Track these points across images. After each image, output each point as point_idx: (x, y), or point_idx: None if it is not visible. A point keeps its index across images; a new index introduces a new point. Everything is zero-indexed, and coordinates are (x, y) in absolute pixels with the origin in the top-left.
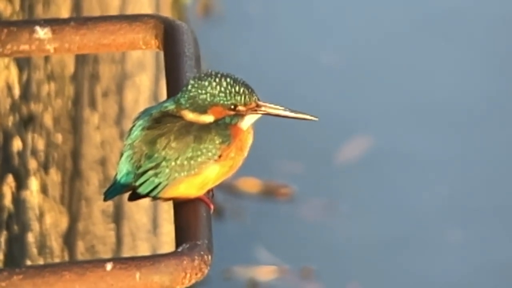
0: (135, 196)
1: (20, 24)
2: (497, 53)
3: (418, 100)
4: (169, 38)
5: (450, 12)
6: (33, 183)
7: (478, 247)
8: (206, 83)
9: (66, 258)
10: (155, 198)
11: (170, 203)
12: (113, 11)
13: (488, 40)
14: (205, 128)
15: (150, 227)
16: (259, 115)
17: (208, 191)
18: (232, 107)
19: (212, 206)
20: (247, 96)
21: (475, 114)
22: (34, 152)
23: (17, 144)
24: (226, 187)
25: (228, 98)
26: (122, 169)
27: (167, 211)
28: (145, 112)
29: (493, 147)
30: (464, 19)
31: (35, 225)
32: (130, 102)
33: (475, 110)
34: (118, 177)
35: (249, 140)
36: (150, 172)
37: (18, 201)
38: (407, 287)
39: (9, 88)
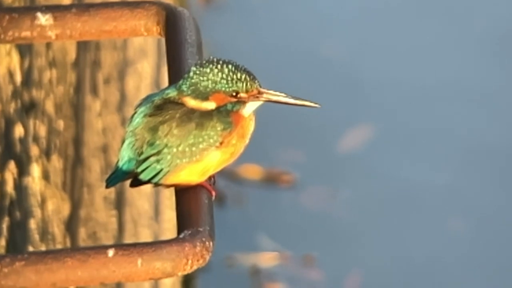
0: (136, 182)
1: (22, 10)
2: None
3: (419, 89)
4: (171, 25)
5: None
6: (35, 170)
7: (478, 235)
8: (208, 70)
9: (68, 244)
10: (156, 184)
11: (172, 189)
12: None
13: (487, 20)
14: (207, 115)
15: (152, 213)
16: (261, 102)
17: (210, 178)
18: (234, 94)
19: (213, 193)
20: (248, 83)
21: (476, 96)
22: (36, 139)
23: (19, 131)
24: (228, 174)
25: (230, 85)
26: (124, 156)
27: (168, 198)
28: (147, 99)
29: (496, 128)
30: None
31: (37, 212)
32: (132, 89)
33: (476, 93)
34: (120, 164)
35: (251, 127)
36: (152, 159)
37: (20, 187)
38: (409, 275)
39: (11, 74)
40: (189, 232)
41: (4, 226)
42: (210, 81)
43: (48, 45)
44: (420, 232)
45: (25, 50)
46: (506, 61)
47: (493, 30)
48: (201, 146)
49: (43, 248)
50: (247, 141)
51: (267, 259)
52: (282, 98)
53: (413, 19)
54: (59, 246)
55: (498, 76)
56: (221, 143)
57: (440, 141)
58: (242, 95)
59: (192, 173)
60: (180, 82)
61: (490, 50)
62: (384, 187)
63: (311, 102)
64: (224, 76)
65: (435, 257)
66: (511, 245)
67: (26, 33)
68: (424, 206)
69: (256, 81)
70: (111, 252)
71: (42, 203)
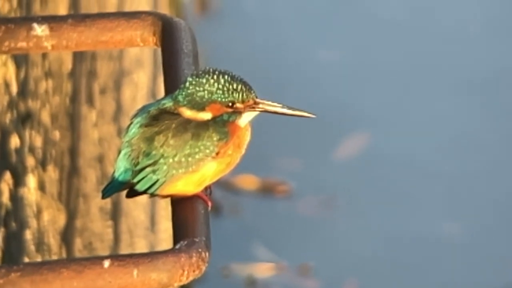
0: (133, 193)
1: (18, 21)
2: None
3: (417, 97)
4: (167, 35)
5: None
6: (31, 180)
7: (476, 243)
8: (204, 80)
9: (64, 255)
10: (153, 195)
11: (168, 200)
12: (111, 8)
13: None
14: (203, 125)
15: (148, 224)
16: (257, 112)
17: (206, 188)
18: (230, 104)
19: (210, 203)
20: (244, 93)
21: (472, 106)
22: (31, 149)
23: (14, 141)
24: (224, 184)
25: (226, 95)
26: (120, 167)
27: (164, 208)
28: (143, 109)
29: (491, 139)
30: (464, 16)
31: (32, 222)
32: (128, 99)
33: (472, 103)
34: (116, 174)
35: (247, 137)
36: (148, 169)
37: (15, 198)
38: (405, 283)
39: (7, 85)
40: (185, 242)
41: (0, 236)
42: (206, 92)
43: (44, 56)
44: (417, 240)
45: (21, 60)
46: (502, 51)
47: (487, 26)
48: (197, 156)
49: (38, 258)
50: (243, 151)
51: (263, 269)
52: (278, 108)
53: (412, 22)
54: (54, 257)
55: (497, 70)
56: (217, 154)
57: (436, 146)
58: (238, 105)
59: (188, 184)
60: (176, 92)
61: (487, 44)
62: (381, 195)
63: (307, 112)
64: (220, 86)
65: (433, 263)
66: (509, 246)
67: (22, 44)
68: (421, 212)
69: (252, 92)
70: (107, 263)
71: (38, 214)
